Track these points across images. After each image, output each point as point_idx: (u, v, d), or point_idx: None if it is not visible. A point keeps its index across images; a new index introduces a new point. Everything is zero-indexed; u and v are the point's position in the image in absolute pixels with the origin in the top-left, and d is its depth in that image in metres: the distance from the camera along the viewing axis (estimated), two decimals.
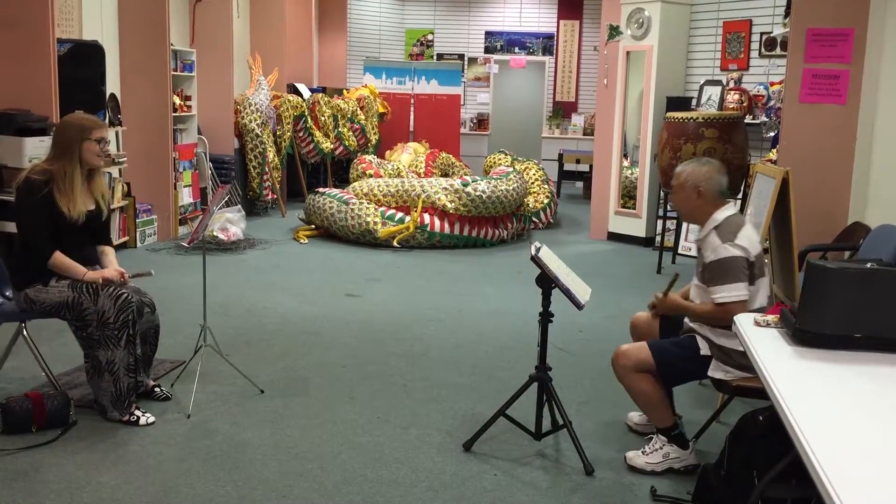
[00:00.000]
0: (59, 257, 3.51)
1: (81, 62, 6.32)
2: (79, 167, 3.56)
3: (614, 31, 8.27)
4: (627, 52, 8.24)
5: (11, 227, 5.53)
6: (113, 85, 7.28)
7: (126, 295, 3.55)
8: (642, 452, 3.36)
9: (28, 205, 3.48)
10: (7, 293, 3.84)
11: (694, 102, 7.98)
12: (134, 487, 3.02)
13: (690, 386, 4.30)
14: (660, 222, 7.74)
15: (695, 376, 3.36)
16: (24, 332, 3.69)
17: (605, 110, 8.54)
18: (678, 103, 7.81)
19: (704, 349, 3.24)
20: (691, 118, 6.74)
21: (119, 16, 7.52)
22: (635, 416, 3.76)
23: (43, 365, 3.72)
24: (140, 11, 7.47)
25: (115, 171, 7.06)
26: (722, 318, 3.10)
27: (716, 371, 3.21)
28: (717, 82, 7.90)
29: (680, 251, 7.62)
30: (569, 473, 3.27)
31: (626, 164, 8.63)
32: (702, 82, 8.02)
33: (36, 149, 5.54)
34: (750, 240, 3.19)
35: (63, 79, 5.99)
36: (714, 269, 3.16)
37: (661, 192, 7.57)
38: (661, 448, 3.33)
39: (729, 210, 3.29)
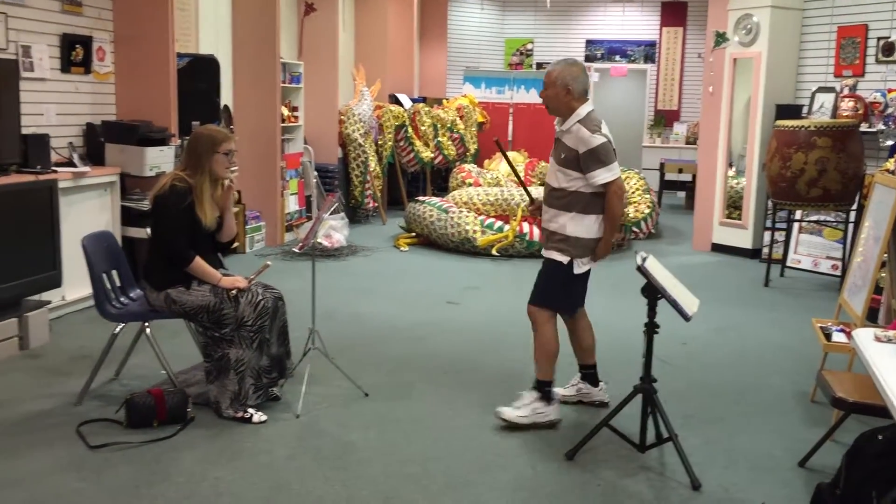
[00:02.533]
0: (199, 262, 3.72)
1: (198, 75, 6.63)
2: (208, 178, 3.75)
3: (721, 38, 8.09)
4: (734, 59, 8.05)
5: (135, 232, 5.85)
6: (226, 97, 7.60)
7: (264, 301, 3.73)
8: (514, 407, 3.75)
9: (172, 212, 3.69)
10: (132, 294, 4.07)
11: (805, 110, 7.71)
12: (248, 483, 3.15)
13: (802, 404, 4.17)
14: (767, 234, 7.51)
15: (572, 284, 3.79)
16: (147, 332, 3.90)
17: (710, 118, 8.36)
18: (788, 111, 7.57)
19: (561, 258, 3.71)
20: (803, 126, 6.53)
21: (233, 30, 7.84)
22: (561, 391, 4.01)
23: (164, 363, 3.92)
24: (252, 26, 7.78)
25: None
26: (612, 197, 3.64)
27: (578, 268, 3.72)
28: (831, 89, 7.61)
29: (789, 264, 7.37)
30: (674, 487, 3.22)
31: (731, 173, 8.42)
32: (814, 89, 7.73)
33: (156, 158, 5.84)
34: (608, 131, 3.70)
35: (181, 91, 6.30)
36: (589, 157, 3.60)
37: (769, 203, 7.35)
38: (530, 403, 3.74)
39: (589, 106, 3.70)
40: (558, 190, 3.73)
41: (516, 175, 4.28)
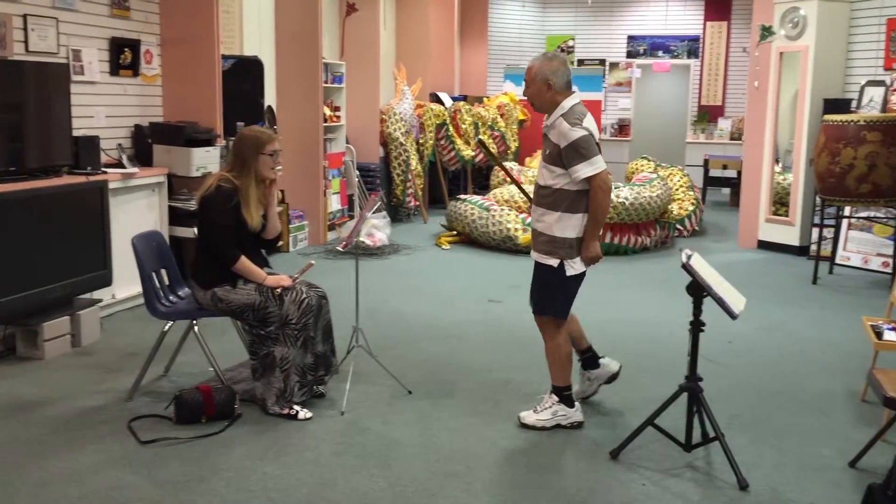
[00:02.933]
0: (244, 262, 3.77)
1: (243, 76, 6.71)
2: (254, 179, 3.80)
3: (767, 32, 7.96)
4: (781, 53, 7.91)
5: (182, 231, 5.95)
6: (270, 97, 7.69)
7: (308, 300, 3.78)
8: (534, 411, 3.71)
9: (219, 212, 3.75)
10: (181, 293, 4.15)
11: (854, 104, 7.55)
12: (294, 478, 3.19)
13: (852, 403, 4.10)
14: (815, 230, 7.38)
15: (567, 287, 3.66)
16: (196, 330, 3.98)
17: (756, 114, 8.23)
18: (836, 105, 7.42)
19: (551, 261, 3.61)
20: (852, 121, 6.40)
21: (276, 32, 7.93)
22: (576, 388, 3.91)
23: (211, 360, 3.99)
24: (295, 27, 7.86)
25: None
26: (597, 192, 3.50)
27: (570, 270, 3.60)
28: (881, 83, 7.43)
29: (838, 261, 7.23)
30: (721, 487, 3.19)
31: (777, 169, 8.28)
32: (863, 83, 7.57)
33: (202, 159, 5.94)
34: (591, 124, 3.54)
35: (226, 92, 6.39)
36: (570, 151, 3.48)
37: (817, 199, 7.22)
38: (550, 406, 3.69)
39: (574, 99, 3.58)
40: (544, 188, 3.63)
41: (508, 175, 4.25)
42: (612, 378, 4.03)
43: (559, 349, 3.70)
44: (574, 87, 3.63)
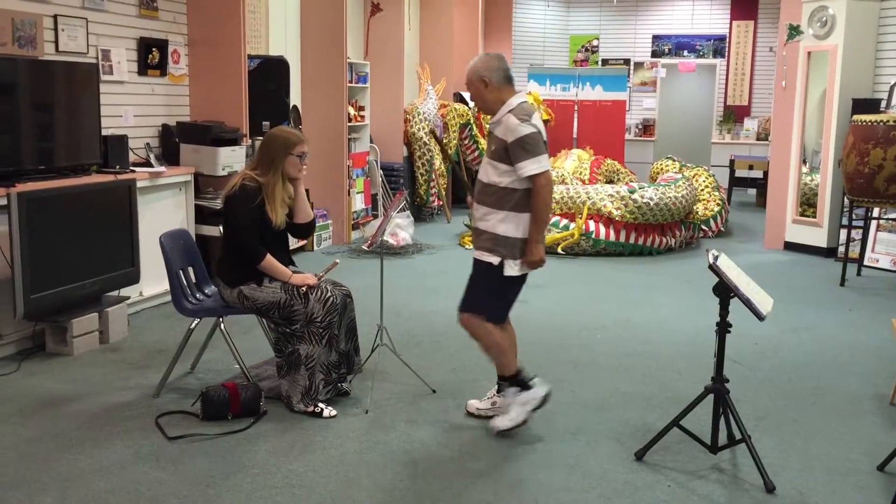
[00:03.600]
0: (270, 260, 3.80)
1: (269, 76, 6.76)
2: (280, 179, 3.83)
3: (794, 31, 7.88)
4: (808, 53, 7.83)
5: (208, 230, 6.01)
6: (295, 97, 7.73)
7: (333, 298, 3.80)
8: (502, 416, 3.62)
9: (243, 211, 3.78)
10: (207, 291, 4.19)
11: (883, 104, 7.46)
12: (319, 475, 3.21)
13: (881, 407, 4.05)
14: (843, 232, 7.29)
15: (505, 288, 3.57)
16: (222, 327, 4.01)
17: (783, 114, 8.15)
18: (865, 105, 7.33)
19: (491, 258, 3.50)
20: (881, 121, 6.32)
21: (301, 32, 7.97)
22: (475, 403, 3.87)
23: (237, 357, 4.02)
24: (320, 27, 7.90)
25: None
26: (540, 191, 3.40)
27: (509, 270, 3.49)
28: None
29: (866, 263, 7.14)
30: (747, 490, 3.17)
31: (804, 169, 8.20)
32: (892, 83, 7.48)
33: (228, 158, 5.98)
34: (539, 122, 3.47)
35: (252, 92, 6.43)
36: (517, 148, 3.39)
37: (846, 200, 7.14)
38: (512, 402, 3.61)
39: (521, 97, 3.52)
40: (489, 186, 3.50)
41: (456, 172, 4.19)
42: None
43: (491, 338, 3.59)
44: (531, 89, 3.59)
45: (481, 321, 3.60)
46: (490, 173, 3.50)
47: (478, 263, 3.58)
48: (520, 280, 3.60)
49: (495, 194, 3.48)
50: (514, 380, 3.66)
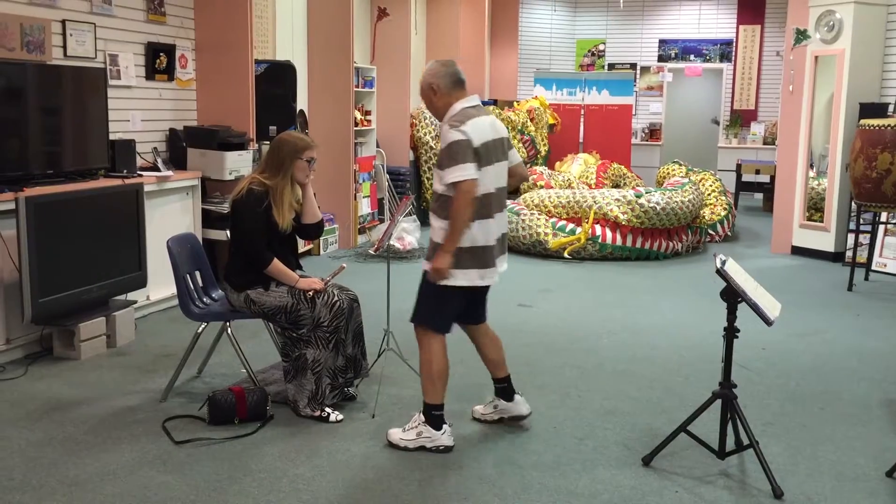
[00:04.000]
0: (277, 264, 3.80)
1: (276, 81, 6.78)
2: (289, 182, 3.83)
3: (801, 36, 7.87)
4: (816, 57, 7.82)
5: (215, 234, 6.02)
6: (302, 101, 7.75)
7: (339, 303, 3.80)
8: (403, 429, 3.52)
9: (250, 215, 3.78)
10: (214, 295, 4.19)
11: (891, 108, 7.44)
12: (326, 481, 3.21)
13: (890, 412, 4.03)
14: (851, 236, 7.27)
15: (443, 297, 3.44)
16: (229, 331, 4.01)
17: (790, 118, 8.14)
18: (873, 110, 7.31)
19: (428, 267, 3.41)
20: (889, 126, 6.30)
21: (308, 37, 7.99)
22: (479, 408, 3.85)
23: (244, 362, 4.03)
24: (327, 32, 7.92)
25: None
26: (458, 198, 3.27)
27: (454, 279, 3.36)
28: None
29: (874, 267, 7.12)
30: (755, 496, 3.15)
31: (811, 174, 8.18)
32: None
33: (235, 162, 6.00)
34: (476, 128, 3.32)
35: (259, 96, 6.45)
36: (443, 154, 3.33)
37: (853, 205, 7.11)
38: (416, 426, 3.48)
39: (467, 101, 3.41)
40: (434, 194, 3.44)
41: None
42: (517, 419, 3.76)
43: (431, 364, 3.46)
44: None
45: (428, 336, 3.49)
46: (436, 181, 3.43)
47: (423, 273, 3.49)
48: (462, 291, 3.44)
49: (437, 202, 3.40)
50: (428, 412, 3.49)
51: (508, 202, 8.27)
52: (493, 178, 3.42)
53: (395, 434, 3.53)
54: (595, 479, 3.27)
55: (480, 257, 3.41)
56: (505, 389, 3.78)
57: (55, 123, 4.96)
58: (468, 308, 3.59)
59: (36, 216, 4.34)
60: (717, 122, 12.22)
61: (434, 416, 3.48)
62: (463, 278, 3.39)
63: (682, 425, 3.40)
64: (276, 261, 3.81)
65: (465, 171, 3.27)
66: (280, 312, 3.80)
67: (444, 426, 3.49)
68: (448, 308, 3.49)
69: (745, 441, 3.32)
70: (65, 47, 5.13)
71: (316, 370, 3.77)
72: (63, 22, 5.11)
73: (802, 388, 4.39)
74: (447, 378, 3.53)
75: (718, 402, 3.34)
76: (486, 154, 3.36)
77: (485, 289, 3.60)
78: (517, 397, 3.78)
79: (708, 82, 13.46)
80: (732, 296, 3.24)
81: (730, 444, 3.40)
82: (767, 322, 3.17)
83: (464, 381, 4.38)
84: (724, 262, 3.24)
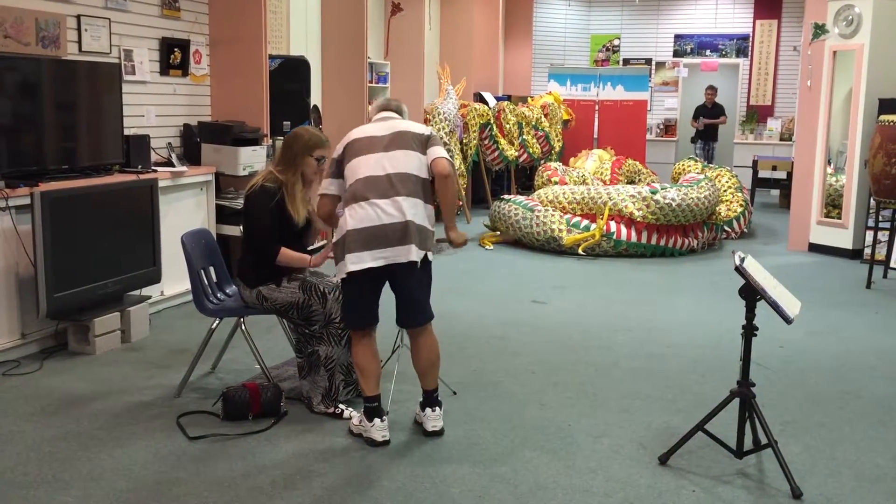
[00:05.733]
0: (285, 251, 3.79)
1: (289, 76, 6.77)
2: (300, 178, 3.82)
3: (819, 30, 7.78)
4: (834, 52, 7.73)
5: (229, 230, 6.02)
6: (315, 97, 7.73)
7: None
8: (358, 411, 3.61)
9: (262, 210, 3.77)
10: (228, 291, 4.18)
11: None
12: (341, 477, 3.19)
13: None
14: (870, 233, 7.19)
15: (346, 291, 3.53)
16: (243, 327, 4.00)
17: (808, 114, 8.06)
18: (892, 105, 7.22)
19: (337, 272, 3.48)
20: None
21: (322, 32, 7.98)
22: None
23: (258, 358, 4.02)
24: (341, 27, 7.90)
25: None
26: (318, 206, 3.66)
27: (339, 271, 3.45)
28: None
29: (893, 265, 7.03)
30: (773, 496, 3.11)
31: (829, 170, 8.10)
32: None
33: (249, 158, 5.99)
34: (345, 139, 3.57)
35: (273, 92, 6.44)
36: None
37: (872, 201, 7.04)
38: (361, 414, 3.55)
39: (375, 120, 3.67)
40: None
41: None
42: (426, 433, 3.61)
43: (355, 358, 3.57)
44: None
45: (353, 335, 3.59)
46: None
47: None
48: (355, 280, 3.42)
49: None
50: (364, 403, 3.53)
51: (522, 198, 8.27)
52: (366, 167, 3.48)
53: (355, 417, 3.62)
54: (610, 478, 3.24)
55: (344, 246, 3.41)
56: (424, 400, 3.65)
57: (70, 119, 4.97)
58: (397, 308, 3.58)
59: (51, 211, 4.35)
60: (699, 129, 12.24)
61: (367, 409, 3.52)
62: (337, 272, 3.48)
63: (700, 424, 3.37)
64: (283, 249, 3.78)
65: (323, 186, 3.62)
66: (292, 308, 3.79)
67: (376, 420, 3.48)
68: (349, 300, 3.55)
69: (764, 440, 3.28)
70: (80, 42, 5.13)
71: (329, 367, 3.76)
72: (78, 17, 5.11)
73: (821, 386, 4.34)
74: (371, 372, 3.53)
75: (736, 401, 3.30)
76: (354, 151, 3.53)
77: (403, 283, 3.51)
78: (429, 410, 3.61)
79: (724, 77, 13.36)
80: (751, 293, 3.20)
81: (748, 443, 3.36)
82: (787, 320, 3.13)
83: (479, 378, 4.36)
84: (742, 260, 3.20)
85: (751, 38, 12.99)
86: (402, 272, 3.47)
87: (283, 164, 3.83)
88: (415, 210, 3.46)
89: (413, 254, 3.43)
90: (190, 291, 4.15)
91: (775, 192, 12.12)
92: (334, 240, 3.52)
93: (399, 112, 3.76)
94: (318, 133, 3.97)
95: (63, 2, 5.00)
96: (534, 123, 10.93)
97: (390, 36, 9.34)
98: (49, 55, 4.86)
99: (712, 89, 12.43)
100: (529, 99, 11.77)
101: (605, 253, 7.72)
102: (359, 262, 3.38)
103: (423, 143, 3.59)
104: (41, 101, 4.73)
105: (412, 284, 3.52)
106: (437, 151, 3.57)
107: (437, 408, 3.61)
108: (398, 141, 3.55)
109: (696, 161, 9.93)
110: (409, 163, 3.51)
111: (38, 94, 4.71)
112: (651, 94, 13.07)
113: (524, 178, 11.68)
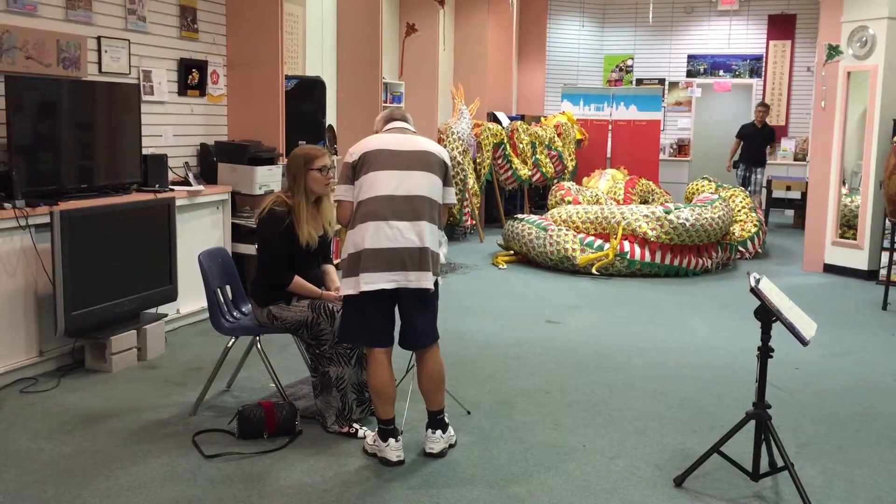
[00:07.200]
0: (298, 281, 3.83)
1: (305, 96, 6.83)
2: (305, 196, 3.84)
3: (834, 51, 7.79)
4: (848, 73, 7.74)
5: (244, 248, 6.05)
6: (331, 117, 7.80)
7: None
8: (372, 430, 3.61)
9: (271, 235, 3.81)
10: (244, 309, 4.21)
11: None
12: (355, 497, 3.19)
13: None
14: (885, 254, 7.16)
15: (349, 311, 3.50)
16: (258, 346, 4.03)
17: (822, 134, 8.05)
18: None
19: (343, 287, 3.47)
20: None
21: (337, 52, 8.06)
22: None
23: (273, 376, 4.03)
24: (356, 48, 7.98)
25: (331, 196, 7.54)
26: (337, 214, 3.61)
27: (345, 287, 3.44)
28: None
29: None
30: None
31: (844, 191, 8.07)
32: None
33: (265, 177, 6.04)
34: (362, 146, 3.51)
35: (289, 112, 6.50)
36: None
37: (887, 222, 7.01)
38: (375, 433, 3.55)
39: (381, 134, 3.60)
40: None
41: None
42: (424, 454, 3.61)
43: (371, 379, 3.53)
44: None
45: (370, 354, 3.55)
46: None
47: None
48: (359, 299, 3.41)
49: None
50: (378, 424, 3.53)
51: (536, 218, 8.29)
52: (381, 183, 3.44)
53: (369, 436, 3.64)
54: (625, 500, 3.23)
55: (355, 265, 3.40)
56: (430, 421, 3.63)
57: (89, 138, 5.03)
58: (402, 330, 3.57)
59: (70, 230, 4.39)
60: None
61: (380, 430, 3.53)
62: (351, 286, 3.42)
63: (716, 446, 3.35)
64: (296, 279, 3.82)
65: (337, 193, 3.55)
66: (301, 327, 3.81)
67: (391, 440, 3.49)
68: (350, 320, 3.52)
69: (780, 463, 3.26)
70: (100, 63, 5.21)
71: (341, 387, 3.77)
72: (98, 38, 5.19)
73: (838, 409, 4.32)
74: (387, 396, 3.50)
75: (752, 423, 3.29)
76: (368, 163, 3.46)
77: (410, 307, 3.49)
78: (429, 432, 3.61)
79: (737, 98, 13.36)
80: (767, 315, 3.20)
81: (764, 465, 3.35)
82: (803, 342, 3.12)
83: (493, 397, 4.36)
84: (758, 281, 3.19)
85: (764, 59, 13.00)
86: (412, 296, 3.48)
87: (290, 188, 3.87)
88: (432, 237, 3.50)
89: (428, 281, 3.46)
90: (206, 309, 4.19)
91: (790, 213, 12.08)
92: (346, 253, 3.48)
93: (408, 122, 3.75)
94: (311, 147, 4.01)
95: (84, 24, 5.08)
96: (547, 143, 10.96)
97: (405, 56, 9.41)
98: (70, 76, 4.94)
99: (764, 107, 11.44)
100: (543, 119, 11.81)
101: (619, 272, 7.72)
102: (373, 282, 3.38)
103: (444, 172, 3.62)
104: (61, 122, 4.80)
105: (422, 308, 3.53)
106: (451, 196, 3.67)
107: (440, 430, 3.60)
108: (423, 162, 3.54)
109: (710, 181, 9.91)
110: (431, 187, 3.53)
111: (59, 115, 4.78)
112: (664, 114, 13.08)
113: (537, 197, 11.70)
